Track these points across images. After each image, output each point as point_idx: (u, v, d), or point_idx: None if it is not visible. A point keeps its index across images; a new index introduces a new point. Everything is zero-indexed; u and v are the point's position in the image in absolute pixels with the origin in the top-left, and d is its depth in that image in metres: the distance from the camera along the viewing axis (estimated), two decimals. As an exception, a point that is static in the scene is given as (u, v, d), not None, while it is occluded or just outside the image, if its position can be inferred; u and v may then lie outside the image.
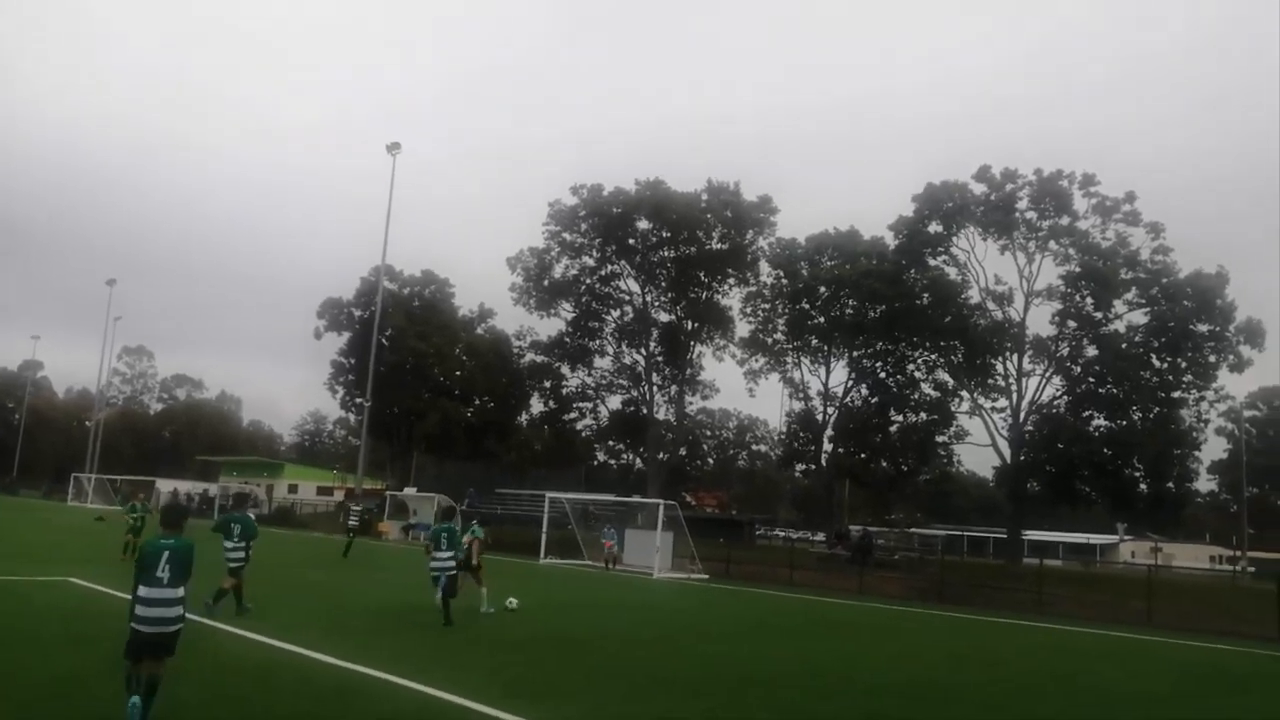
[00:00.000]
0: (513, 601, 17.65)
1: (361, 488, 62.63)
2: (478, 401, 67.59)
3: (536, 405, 65.63)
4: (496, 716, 8.82)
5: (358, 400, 62.09)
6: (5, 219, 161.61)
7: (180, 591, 7.63)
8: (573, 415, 63.23)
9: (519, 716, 8.80)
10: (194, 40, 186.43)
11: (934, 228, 46.63)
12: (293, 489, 75.19)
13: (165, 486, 74.90)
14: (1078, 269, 43.70)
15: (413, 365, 64.03)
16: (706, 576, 33.03)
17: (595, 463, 75.42)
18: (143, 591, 7.49)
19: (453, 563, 15.95)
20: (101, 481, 76.60)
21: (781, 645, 16.24)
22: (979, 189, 45.84)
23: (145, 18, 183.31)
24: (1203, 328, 42.28)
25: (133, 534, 24.42)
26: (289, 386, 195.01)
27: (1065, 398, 45.41)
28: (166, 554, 7.59)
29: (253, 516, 16.08)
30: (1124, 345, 43.38)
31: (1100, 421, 44.60)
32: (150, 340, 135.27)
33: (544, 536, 37.61)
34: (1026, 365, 45.83)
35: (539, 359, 62.41)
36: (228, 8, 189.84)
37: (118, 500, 72.69)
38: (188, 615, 7.97)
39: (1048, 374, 45.52)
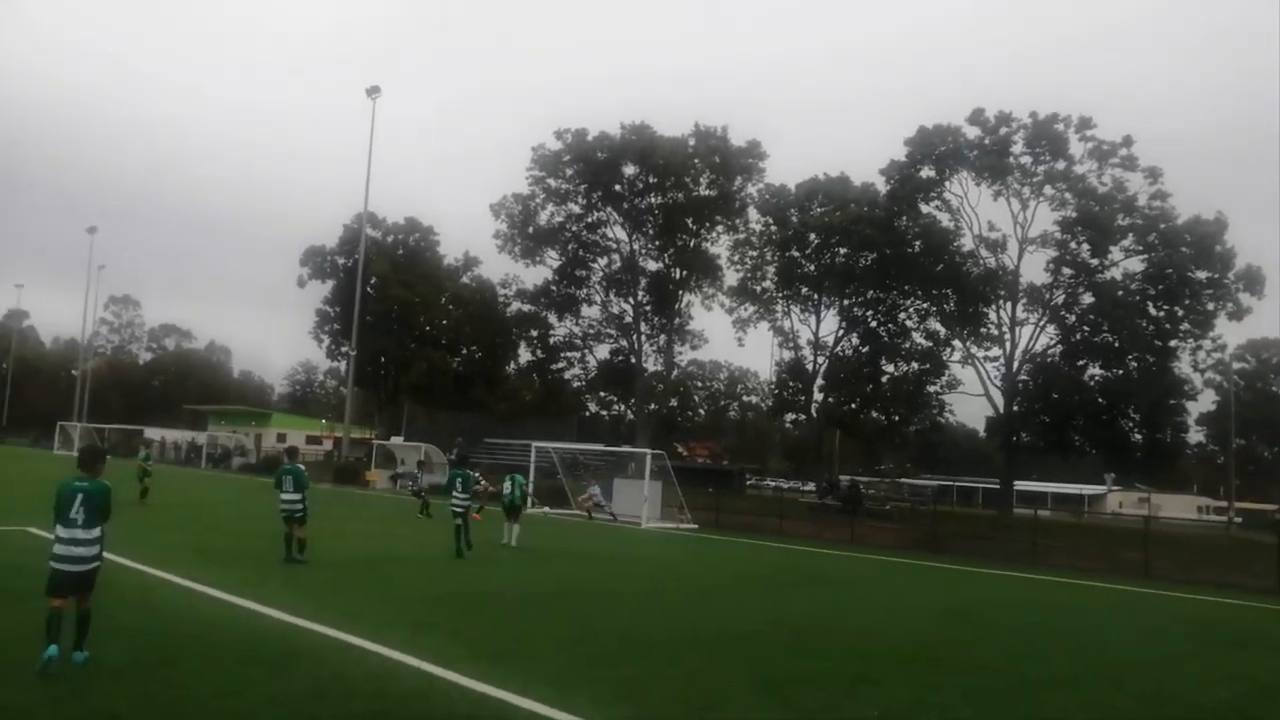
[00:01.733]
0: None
1: (349, 436, 62.17)
2: (465, 351, 66.69)
3: (525, 355, 64.82)
4: (453, 681, 8.13)
5: (344, 349, 61.21)
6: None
7: (96, 532, 7.71)
8: (560, 365, 62.42)
9: (476, 681, 8.10)
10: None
11: (926, 172, 45.49)
12: (281, 438, 74.42)
13: (153, 436, 74.28)
14: (1074, 214, 42.72)
15: (398, 314, 62.99)
16: (695, 526, 32.62)
17: (587, 414, 74.76)
18: (59, 531, 7.62)
19: (467, 502, 18.86)
20: (87, 430, 75.84)
21: (766, 599, 15.62)
22: (972, 132, 44.65)
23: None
24: (1201, 275, 41.46)
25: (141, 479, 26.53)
26: (278, 336, 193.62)
27: (1059, 347, 44.73)
28: (80, 496, 7.62)
29: (302, 468, 16.12)
30: (1120, 293, 42.58)
31: (1095, 371, 44.01)
32: (137, 290, 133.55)
33: (530, 485, 37.09)
34: (1020, 314, 45.11)
35: (526, 308, 61.41)
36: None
37: (105, 449, 72.27)
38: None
39: (1042, 323, 44.77)
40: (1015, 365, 44.58)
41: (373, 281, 60.98)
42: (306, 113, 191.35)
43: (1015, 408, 44.58)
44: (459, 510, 18.49)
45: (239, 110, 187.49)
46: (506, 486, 21.36)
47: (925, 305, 48.45)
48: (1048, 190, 43.71)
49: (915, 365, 49.01)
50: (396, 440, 55.36)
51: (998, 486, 51.07)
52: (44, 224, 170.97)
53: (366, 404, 77.86)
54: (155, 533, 18.62)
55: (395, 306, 62.44)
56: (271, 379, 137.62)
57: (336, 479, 49.15)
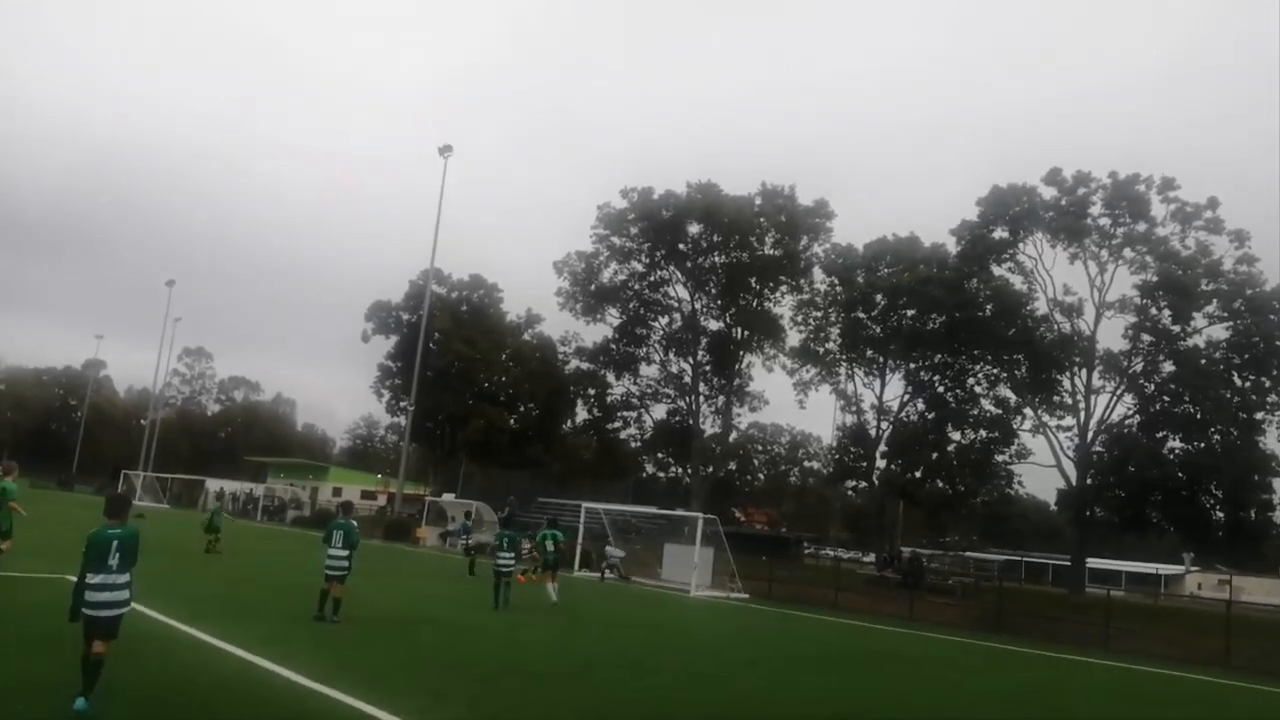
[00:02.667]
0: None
1: (402, 492, 62.20)
2: (522, 408, 66.54)
3: (582, 414, 64.32)
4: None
5: (403, 404, 61.54)
6: (73, 218, 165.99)
7: (127, 577, 8.13)
8: (617, 424, 61.72)
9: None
10: (254, 40, 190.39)
11: (999, 233, 44.18)
12: (337, 491, 74.92)
13: (214, 486, 75.47)
14: (1154, 278, 40.91)
15: (458, 370, 63.22)
16: (746, 596, 31.40)
17: (644, 475, 73.91)
18: (93, 578, 7.95)
19: (512, 561, 19.90)
20: (150, 479, 77.31)
21: (814, 679, 14.51)
22: (1049, 193, 43.30)
23: (204, 18, 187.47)
24: (1289, 344, 39.28)
25: (211, 533, 27.86)
26: (343, 390, 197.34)
27: (1137, 417, 42.53)
28: (115, 543, 8.03)
29: (355, 524, 15.83)
30: (1203, 361, 40.41)
31: (1175, 443, 41.63)
32: (210, 342, 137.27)
33: (579, 548, 36.47)
34: (1096, 381, 43.04)
35: (584, 365, 61.08)
36: (287, 8, 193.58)
37: (165, 499, 73.74)
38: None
39: (1119, 391, 42.70)
40: (1090, 436, 42.54)
41: (435, 337, 61.45)
42: (377, 168, 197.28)
43: (1089, 480, 42.43)
44: (503, 571, 19.68)
45: (314, 168, 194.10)
46: (549, 545, 21.63)
47: (995, 371, 46.73)
48: (1127, 253, 42.06)
49: (983, 433, 47.08)
50: (448, 497, 55.17)
51: (1069, 563, 48.61)
52: (124, 277, 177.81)
53: (423, 460, 78.14)
54: (189, 584, 18.32)
55: (456, 362, 62.69)
56: (334, 433, 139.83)
57: (387, 535, 48.94)
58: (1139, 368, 42.44)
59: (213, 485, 75.90)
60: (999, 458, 46.64)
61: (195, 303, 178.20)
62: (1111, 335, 43.45)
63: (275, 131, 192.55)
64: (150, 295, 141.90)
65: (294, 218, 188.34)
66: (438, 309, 61.91)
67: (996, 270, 45.02)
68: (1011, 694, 14.81)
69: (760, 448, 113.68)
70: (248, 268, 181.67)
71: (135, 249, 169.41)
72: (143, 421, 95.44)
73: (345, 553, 15.05)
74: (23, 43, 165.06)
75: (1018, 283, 44.86)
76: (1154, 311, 41.60)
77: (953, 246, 46.55)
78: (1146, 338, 41.90)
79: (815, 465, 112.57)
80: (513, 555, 20.39)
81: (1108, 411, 42.87)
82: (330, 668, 10.73)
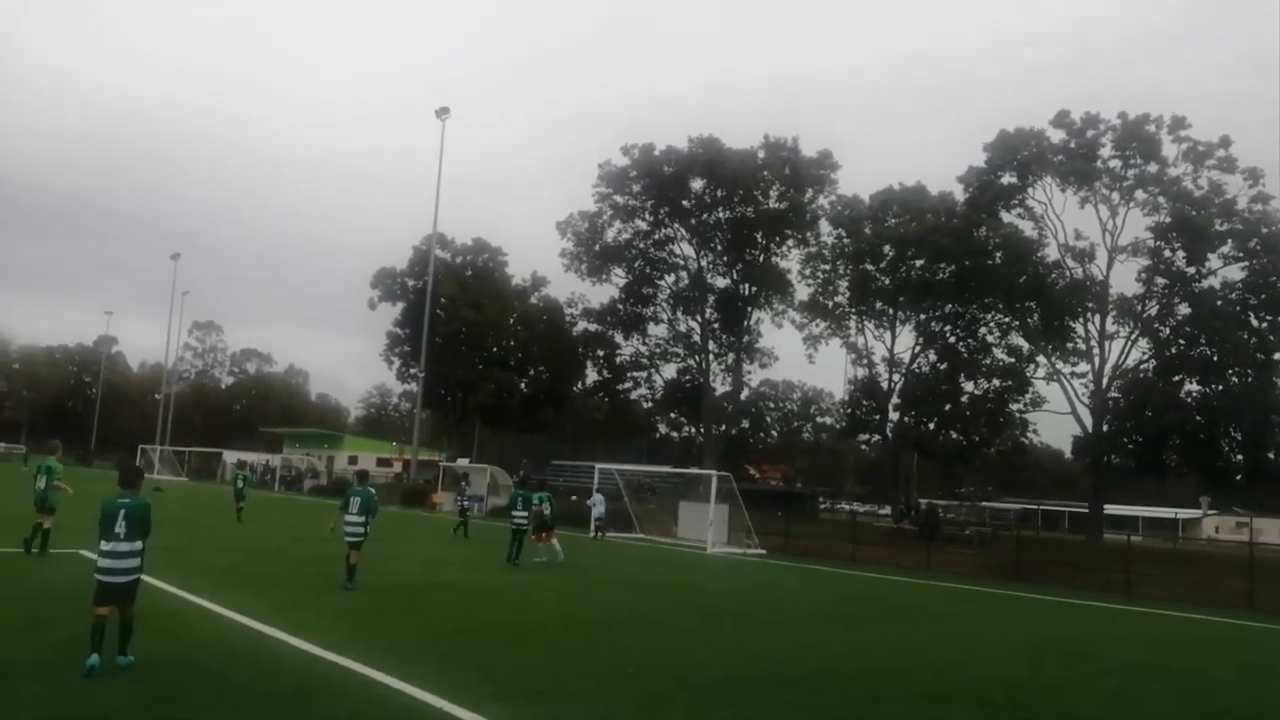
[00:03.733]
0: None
1: (417, 458, 62.37)
2: (532, 372, 66.38)
3: (592, 375, 64.11)
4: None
5: (413, 371, 61.46)
6: (78, 196, 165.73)
7: (138, 545, 8.37)
8: (627, 385, 61.50)
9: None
10: (254, 12, 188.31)
11: (1008, 179, 43.50)
12: (352, 460, 75.27)
13: (231, 458, 75.92)
14: (1167, 220, 40.28)
15: (466, 335, 63.02)
16: (763, 551, 31.35)
17: (657, 435, 73.87)
18: (104, 545, 8.25)
19: (525, 519, 21.63)
20: (168, 453, 77.81)
21: (833, 634, 14.35)
22: (1057, 136, 42.56)
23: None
24: (1307, 281, 38.68)
25: (239, 499, 29.31)
26: (354, 359, 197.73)
27: (1153, 361, 42.16)
28: (123, 512, 8.31)
29: (372, 491, 15.86)
30: (1219, 303, 39.92)
31: (1192, 387, 41.28)
32: (220, 315, 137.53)
33: (592, 509, 36.40)
34: (1110, 327, 42.65)
35: (592, 327, 60.73)
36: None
37: (184, 472, 74.26)
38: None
39: (1133, 336, 42.29)
40: (1105, 382, 42.17)
41: (441, 303, 61.20)
42: (380, 134, 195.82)
43: (1105, 427, 42.13)
44: (518, 528, 21.47)
45: (314, 135, 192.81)
46: (546, 508, 22.28)
47: (1007, 319, 46.32)
48: (1139, 195, 41.39)
49: (997, 383, 46.78)
50: (463, 462, 55.25)
51: (1086, 510, 48.45)
52: (132, 251, 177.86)
53: (437, 426, 78.28)
54: (203, 555, 18.25)
55: (463, 328, 62.48)
56: (347, 402, 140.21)
57: (403, 501, 49.08)
58: (1153, 311, 41.96)
59: (229, 457, 76.35)
60: (1013, 406, 46.34)
61: (203, 276, 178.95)
62: (1125, 279, 43.01)
63: (276, 99, 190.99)
64: (157, 270, 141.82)
65: (296, 186, 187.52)
66: (442, 274, 61.58)
67: (1006, 217, 44.50)
68: (1038, 644, 14.62)
69: (772, 405, 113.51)
70: (253, 240, 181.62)
71: (139, 225, 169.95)
72: (157, 396, 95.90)
73: (362, 519, 15.10)
74: (29, 18, 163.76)
75: (1028, 229, 44.41)
76: (1167, 254, 41.04)
77: (960, 195, 45.98)
78: (1160, 281, 41.38)
79: (828, 421, 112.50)
80: (525, 514, 21.76)
81: (1123, 357, 42.51)
82: (343, 636, 10.62)
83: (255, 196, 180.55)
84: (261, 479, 68.86)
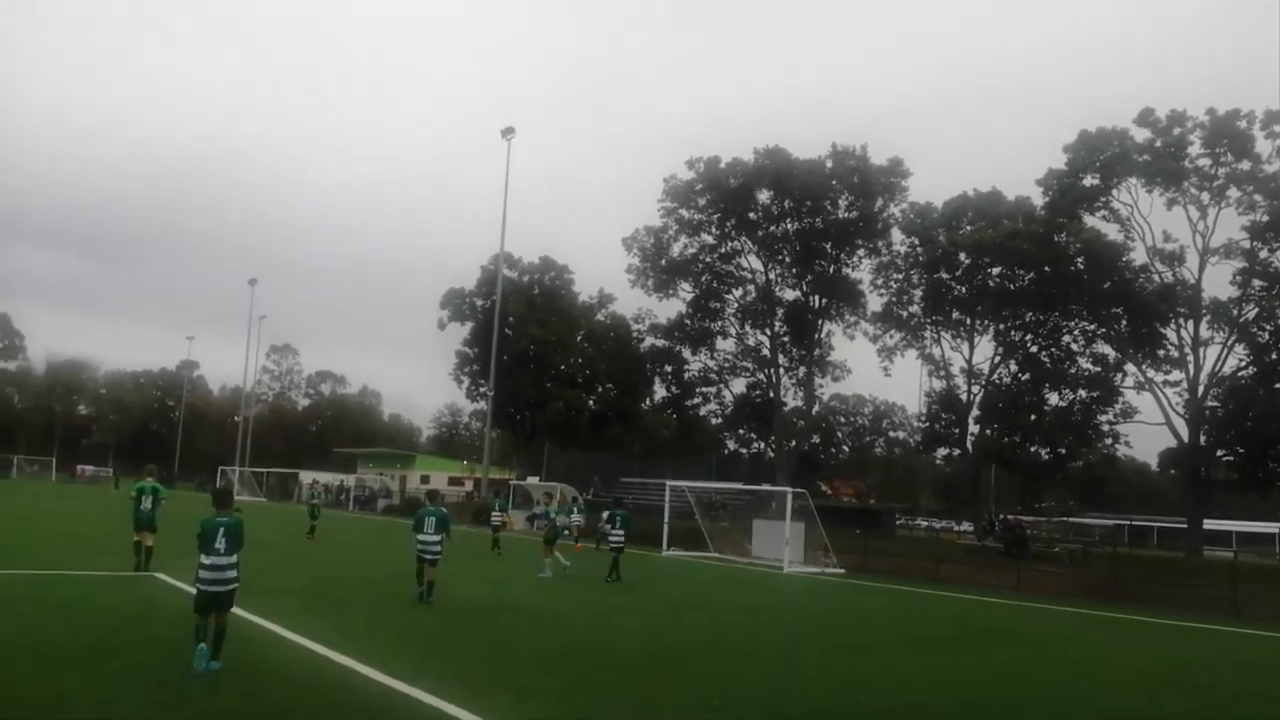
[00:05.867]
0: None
1: (488, 478, 62.45)
2: (600, 389, 66.11)
3: (660, 392, 63.50)
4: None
5: (482, 390, 61.67)
6: (161, 224, 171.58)
7: (234, 558, 9.41)
8: (696, 401, 60.73)
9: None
10: (328, 39, 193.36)
11: (1090, 180, 41.78)
12: (425, 479, 75.88)
13: (307, 478, 77.20)
14: (1264, 218, 38.20)
15: (534, 353, 63.11)
16: (842, 571, 30.31)
17: (725, 451, 72.88)
18: (204, 559, 9.24)
19: (622, 538, 22.21)
20: (247, 474, 79.42)
21: (927, 660, 13.43)
22: (1141, 135, 40.73)
23: (282, 17, 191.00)
24: None
25: (312, 518, 30.15)
26: (426, 380, 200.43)
27: (1252, 368, 39.97)
28: (222, 529, 9.33)
29: (445, 510, 16.62)
30: (1323, 304, 37.74)
31: (1295, 394, 38.98)
32: (296, 338, 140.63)
33: (666, 527, 35.80)
34: (1204, 332, 40.58)
35: (659, 343, 60.15)
36: (355, 5, 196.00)
37: (262, 493, 75.75)
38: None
39: (1230, 342, 40.15)
40: (1201, 390, 40.11)
41: (509, 321, 61.36)
42: (450, 160, 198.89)
43: (1202, 438, 40.02)
44: (616, 546, 22.04)
45: (387, 160, 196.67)
46: (563, 520, 22.91)
47: (1092, 327, 44.44)
48: (1232, 194, 39.36)
49: (1083, 393, 44.85)
50: (533, 480, 55.11)
51: (1177, 525, 46.11)
52: (211, 278, 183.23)
53: (507, 445, 78.47)
54: (276, 576, 18.08)
55: (531, 346, 62.57)
56: (419, 421, 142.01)
57: (474, 520, 49.00)
58: (1251, 315, 39.82)
59: (305, 477, 77.66)
60: (1101, 417, 44.39)
61: (280, 301, 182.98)
62: (1218, 283, 40.78)
63: (338, 124, 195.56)
64: (235, 296, 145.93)
65: (368, 210, 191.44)
66: (510, 293, 61.77)
67: (1088, 220, 42.77)
68: (1150, 671, 13.52)
69: (843, 419, 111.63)
70: (327, 264, 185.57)
71: (217, 249, 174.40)
72: (236, 419, 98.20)
73: (438, 537, 15.54)
74: (94, 57, 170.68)
75: (1112, 232, 42.65)
76: (1265, 254, 39.00)
77: (1038, 199, 44.43)
78: (1258, 283, 39.30)
79: (901, 435, 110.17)
80: (623, 533, 21.98)
81: (1219, 364, 40.37)
82: (413, 663, 10.21)
83: (330, 221, 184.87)
84: (336, 499, 69.83)
